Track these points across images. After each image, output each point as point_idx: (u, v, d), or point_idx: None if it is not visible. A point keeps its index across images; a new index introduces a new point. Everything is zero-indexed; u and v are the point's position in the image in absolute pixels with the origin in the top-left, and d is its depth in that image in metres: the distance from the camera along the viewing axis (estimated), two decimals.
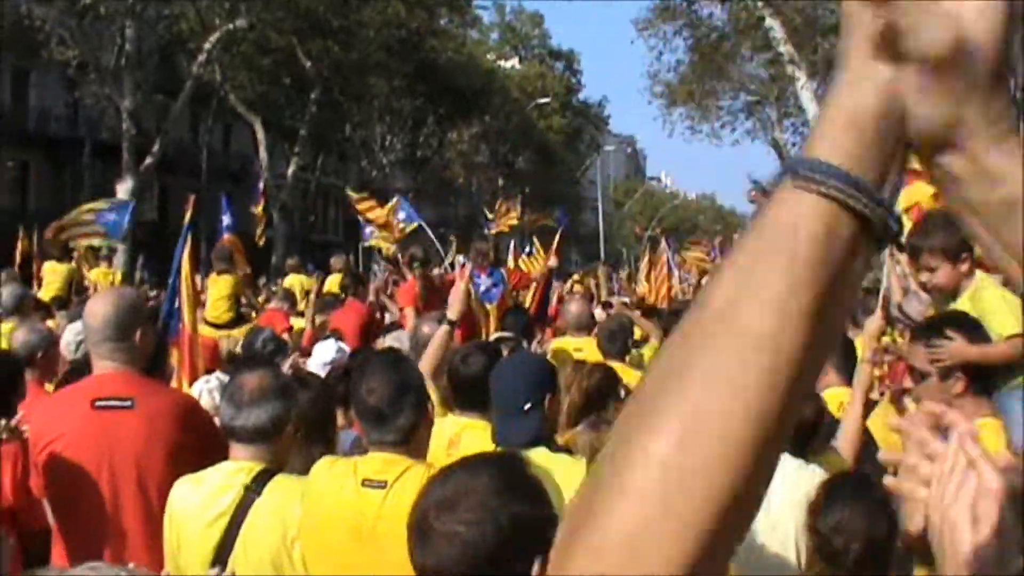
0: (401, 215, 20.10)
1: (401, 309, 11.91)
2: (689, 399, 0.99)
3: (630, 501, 0.98)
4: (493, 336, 9.26)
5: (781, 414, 1.00)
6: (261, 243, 20.97)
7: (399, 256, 14.92)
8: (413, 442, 4.16)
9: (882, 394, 7.72)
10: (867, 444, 5.77)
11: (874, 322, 6.10)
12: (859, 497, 3.71)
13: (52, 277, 15.77)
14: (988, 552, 1.84)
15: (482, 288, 11.08)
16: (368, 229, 19.46)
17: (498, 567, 2.52)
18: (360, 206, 19.09)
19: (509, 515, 2.54)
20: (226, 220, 18.68)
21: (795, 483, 4.76)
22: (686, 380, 1.01)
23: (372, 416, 4.12)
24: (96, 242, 18.34)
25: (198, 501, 4.36)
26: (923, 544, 1.88)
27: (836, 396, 6.31)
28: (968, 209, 1.09)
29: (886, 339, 8.14)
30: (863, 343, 6.07)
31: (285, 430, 4.37)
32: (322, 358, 7.66)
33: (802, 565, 4.74)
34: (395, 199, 20.74)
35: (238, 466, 4.34)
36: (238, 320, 13.53)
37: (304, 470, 4.40)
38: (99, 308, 5.05)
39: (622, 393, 6.08)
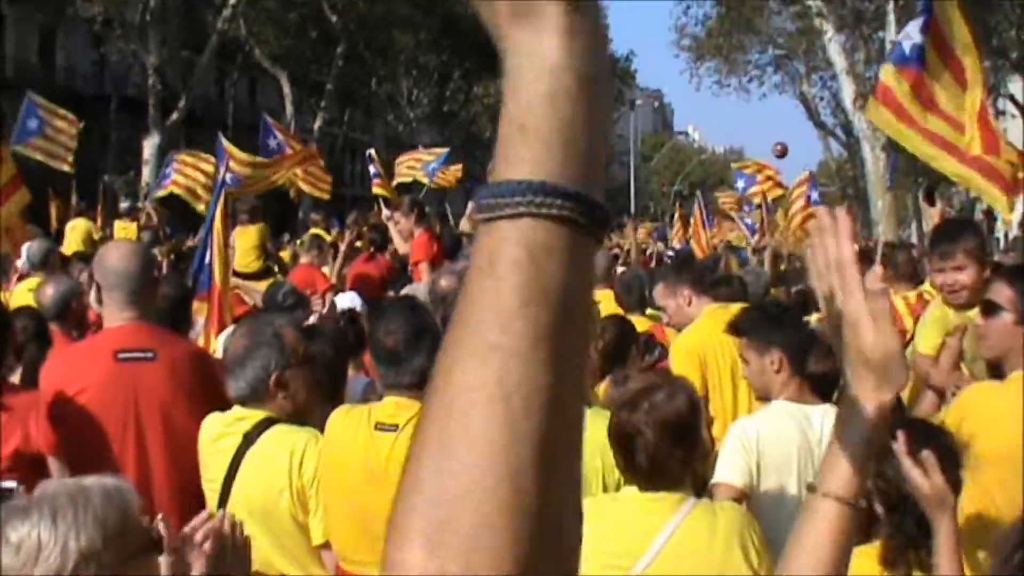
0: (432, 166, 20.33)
1: (415, 263, 11.81)
2: (435, 473, 0.90)
3: None
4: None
5: (539, 461, 0.90)
6: (296, 199, 20.88)
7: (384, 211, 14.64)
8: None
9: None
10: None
11: (873, 275, 6.04)
12: (927, 444, 3.68)
13: (72, 234, 15.82)
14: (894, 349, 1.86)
15: None
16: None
17: None
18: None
19: None
20: (272, 144, 18.18)
21: None
22: (424, 466, 0.91)
23: (388, 357, 4.15)
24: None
25: (209, 439, 4.50)
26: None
27: None
28: None
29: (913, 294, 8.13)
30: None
31: (269, 386, 4.39)
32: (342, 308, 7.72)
33: None
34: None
35: (242, 414, 4.43)
36: (267, 272, 13.46)
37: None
38: (115, 259, 5.04)
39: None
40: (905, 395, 6.27)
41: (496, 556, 0.88)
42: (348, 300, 7.98)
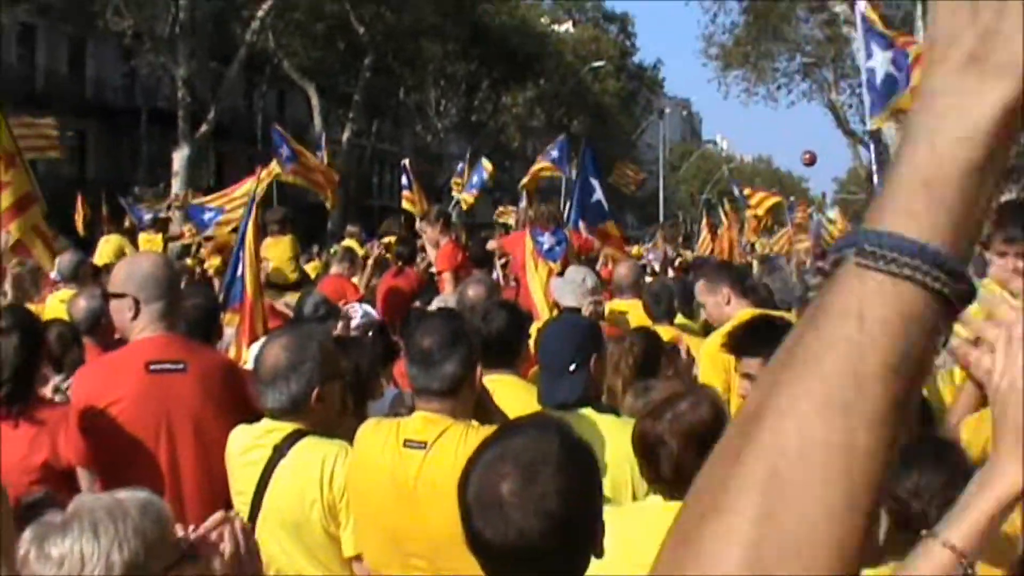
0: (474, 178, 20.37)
1: (439, 273, 11.86)
2: (749, 524, 0.86)
3: None
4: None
5: (862, 535, 0.87)
6: (332, 207, 20.88)
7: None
8: (457, 397, 4.15)
9: None
10: (924, 411, 5.76)
11: None
12: (937, 461, 3.65)
13: (106, 247, 15.89)
14: None
15: (545, 246, 11.03)
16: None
17: (576, 535, 2.48)
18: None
19: (582, 481, 2.50)
20: (285, 153, 17.88)
21: None
22: (742, 503, 0.87)
23: (422, 358, 4.12)
24: None
25: (237, 451, 4.49)
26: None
27: None
28: None
29: None
30: None
31: (310, 400, 4.38)
32: (355, 322, 7.75)
33: None
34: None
35: (272, 425, 4.42)
36: (301, 284, 13.43)
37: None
38: (150, 269, 5.07)
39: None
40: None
41: None
42: (355, 311, 7.99)
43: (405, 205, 18.52)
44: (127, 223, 18.92)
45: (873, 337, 0.87)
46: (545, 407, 4.76)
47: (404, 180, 18.90)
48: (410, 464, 4.00)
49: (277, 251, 13.72)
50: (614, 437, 4.43)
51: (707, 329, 9.36)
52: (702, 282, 7.57)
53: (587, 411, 4.76)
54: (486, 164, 21.34)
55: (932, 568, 1.95)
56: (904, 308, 0.88)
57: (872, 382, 0.86)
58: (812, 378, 0.88)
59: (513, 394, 4.95)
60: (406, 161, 19.53)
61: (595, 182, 13.43)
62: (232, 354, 7.25)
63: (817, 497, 0.85)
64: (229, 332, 7.75)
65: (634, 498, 4.35)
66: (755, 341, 5.13)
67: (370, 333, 7.27)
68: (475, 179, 20.91)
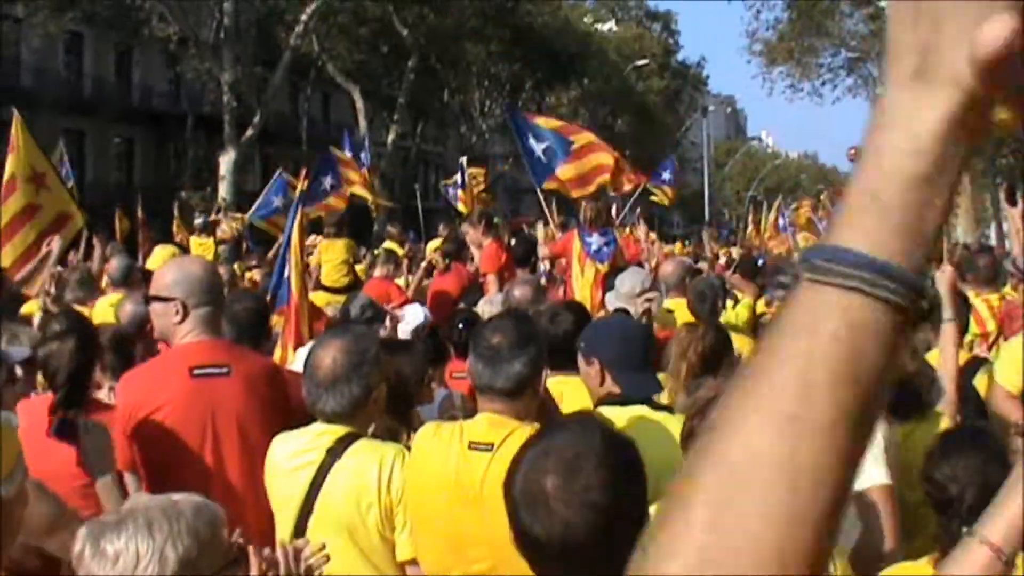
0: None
1: (484, 275, 11.81)
2: (696, 533, 0.89)
3: None
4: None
5: (812, 546, 0.88)
6: (377, 212, 20.86)
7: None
8: (521, 398, 4.11)
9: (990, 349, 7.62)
10: (972, 404, 5.71)
11: (945, 276, 5.89)
12: (975, 447, 3.69)
13: (162, 252, 16.03)
14: None
15: (593, 247, 10.98)
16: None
17: (621, 529, 2.40)
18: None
19: (624, 475, 2.50)
20: (329, 181, 17.83)
21: None
22: (692, 513, 0.89)
23: (490, 355, 4.09)
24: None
25: (284, 457, 4.43)
26: None
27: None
28: None
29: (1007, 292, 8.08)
30: (945, 299, 5.86)
31: (368, 403, 4.37)
32: (410, 323, 7.73)
33: None
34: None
35: (323, 429, 4.37)
36: (354, 286, 13.44)
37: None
38: (202, 275, 5.07)
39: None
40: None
41: None
42: (413, 313, 7.99)
43: (460, 206, 18.51)
44: (176, 229, 19.08)
45: (822, 349, 0.88)
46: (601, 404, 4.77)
47: (459, 179, 18.89)
48: (476, 466, 3.96)
49: (331, 253, 13.81)
50: (674, 434, 4.42)
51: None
52: None
53: (643, 408, 4.75)
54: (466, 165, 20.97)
55: (972, 566, 2.01)
56: (853, 319, 0.89)
57: (819, 392, 0.88)
58: (761, 391, 0.90)
59: (580, 395, 4.96)
60: (464, 159, 19.46)
61: (531, 142, 13.51)
62: (278, 356, 7.27)
63: (759, 509, 0.87)
64: (277, 334, 7.77)
65: None
66: None
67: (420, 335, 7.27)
68: (458, 179, 20.83)
